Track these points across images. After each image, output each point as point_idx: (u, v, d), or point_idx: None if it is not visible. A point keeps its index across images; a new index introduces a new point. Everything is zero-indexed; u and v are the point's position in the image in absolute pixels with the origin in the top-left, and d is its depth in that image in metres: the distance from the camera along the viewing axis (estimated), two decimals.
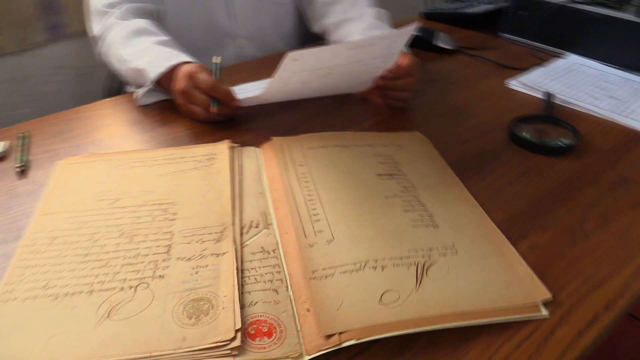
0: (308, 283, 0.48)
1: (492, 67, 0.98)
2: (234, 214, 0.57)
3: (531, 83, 0.88)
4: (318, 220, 0.56)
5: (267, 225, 0.57)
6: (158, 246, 0.53)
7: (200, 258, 0.52)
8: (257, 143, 0.70)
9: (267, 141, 0.70)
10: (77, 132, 0.73)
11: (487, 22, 1.15)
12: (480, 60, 1.01)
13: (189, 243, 0.54)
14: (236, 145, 0.70)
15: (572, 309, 0.48)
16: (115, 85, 1.08)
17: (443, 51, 1.02)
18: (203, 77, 0.72)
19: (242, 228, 0.56)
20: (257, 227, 0.56)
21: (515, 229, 0.57)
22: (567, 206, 0.61)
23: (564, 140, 0.72)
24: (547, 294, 0.48)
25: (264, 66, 0.83)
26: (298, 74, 0.68)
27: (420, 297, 0.47)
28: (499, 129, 0.76)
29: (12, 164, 0.65)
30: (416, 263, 0.50)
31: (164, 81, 0.78)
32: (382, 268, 0.50)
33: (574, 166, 0.68)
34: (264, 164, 0.66)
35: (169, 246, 0.53)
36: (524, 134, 0.73)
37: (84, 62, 1.29)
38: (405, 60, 0.78)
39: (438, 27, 1.10)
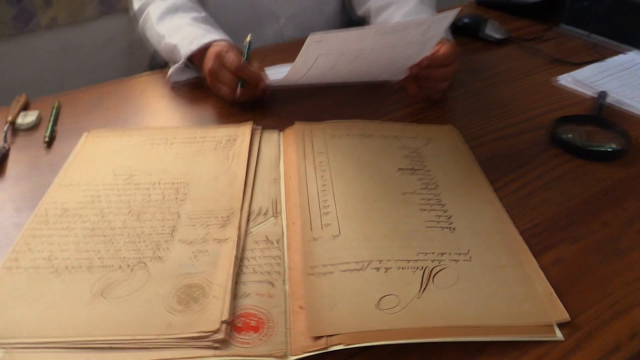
0: (305, 279, 0.45)
1: (544, 60, 0.90)
2: (243, 200, 0.55)
3: (583, 80, 0.80)
4: (327, 212, 0.53)
5: (276, 213, 0.54)
6: (163, 226, 0.52)
7: (202, 242, 0.50)
8: (282, 127, 0.68)
9: (290, 126, 0.67)
10: (107, 106, 0.73)
11: (547, 12, 1.06)
12: (532, 52, 0.92)
13: (193, 226, 0.52)
14: (259, 128, 0.67)
15: (591, 334, 0.42)
16: (158, 61, 1.09)
17: (492, 41, 0.95)
18: (231, 57, 0.70)
19: (249, 215, 0.54)
20: (265, 214, 0.54)
21: (540, 239, 0.51)
22: (603, 218, 0.54)
23: (611, 145, 0.65)
24: (564, 315, 0.43)
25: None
26: (324, 57, 0.64)
27: (421, 305, 0.43)
28: (540, 128, 0.69)
29: (42, 134, 0.66)
30: (423, 267, 0.46)
31: (196, 59, 0.76)
32: (386, 270, 0.46)
33: (619, 174, 0.61)
34: (283, 149, 0.64)
35: (174, 227, 0.52)
36: (565, 134, 0.66)
37: (134, 36, 1.31)
38: (444, 48, 0.73)
39: (491, 15, 1.03)
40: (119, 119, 0.71)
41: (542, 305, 0.44)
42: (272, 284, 0.46)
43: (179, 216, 0.53)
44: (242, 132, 0.66)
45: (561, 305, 0.44)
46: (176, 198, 0.56)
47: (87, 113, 0.72)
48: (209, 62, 0.72)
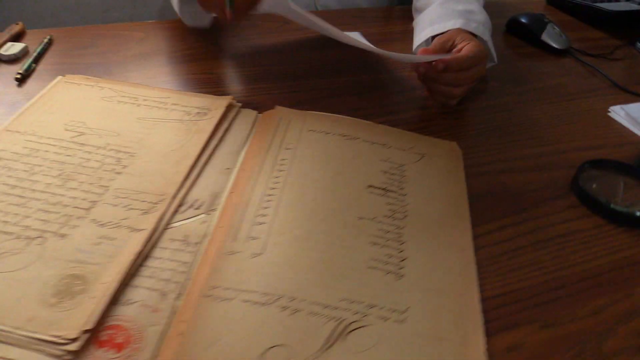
0: (199, 300, 0.38)
1: (602, 82, 0.74)
2: (182, 186, 0.48)
3: (638, 116, 0.64)
4: (261, 223, 0.44)
5: (210, 210, 0.46)
6: (84, 199, 0.46)
7: (114, 227, 0.43)
8: (267, 107, 0.59)
9: (269, 109, 0.58)
10: (96, 50, 0.67)
11: (628, 25, 0.88)
12: (591, 70, 0.77)
13: (115, 206, 0.45)
14: (239, 105, 0.59)
15: None
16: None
17: (550, 49, 0.80)
18: None
19: (181, 205, 0.46)
20: (198, 209, 0.46)
21: (506, 312, 0.41)
22: (597, 303, 0.42)
23: None
24: None
25: (334, 19, 0.69)
26: (300, 16, 0.55)
27: None
28: (567, 167, 0.56)
29: (18, 69, 0.62)
30: (340, 319, 0.37)
31: None
32: (294, 312, 0.37)
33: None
34: (253, 135, 0.55)
35: (94, 203, 0.45)
36: (589, 183, 0.53)
37: None
38: (467, 49, 0.60)
39: (559, 19, 0.86)
40: (102, 66, 0.64)
41: None
42: (164, 295, 0.39)
43: (106, 190, 0.47)
44: (217, 106, 0.58)
45: None
46: (113, 169, 0.49)
47: (75, 54, 0.66)
48: None
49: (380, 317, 0.38)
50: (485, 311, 0.40)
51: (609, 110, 0.67)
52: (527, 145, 0.60)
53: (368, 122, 0.58)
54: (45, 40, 0.66)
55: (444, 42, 0.63)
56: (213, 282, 0.39)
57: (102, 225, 0.43)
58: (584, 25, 0.90)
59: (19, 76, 0.60)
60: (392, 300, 0.39)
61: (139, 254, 0.41)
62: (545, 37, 0.79)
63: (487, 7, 0.73)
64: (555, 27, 0.80)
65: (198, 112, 0.57)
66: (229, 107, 0.58)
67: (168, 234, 0.44)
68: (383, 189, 0.49)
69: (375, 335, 0.37)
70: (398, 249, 0.44)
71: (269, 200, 0.46)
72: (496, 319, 0.40)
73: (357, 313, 0.38)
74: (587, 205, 0.51)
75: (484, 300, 0.41)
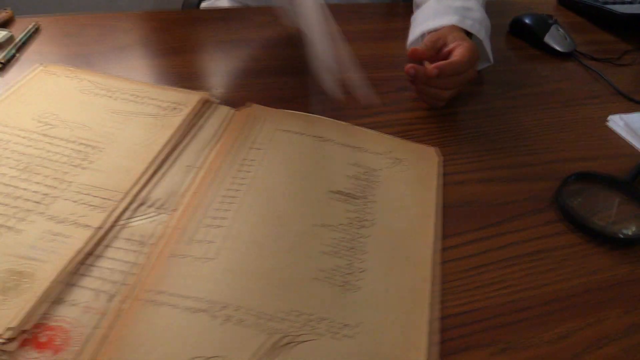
0: (143, 304, 0.37)
1: (605, 89, 0.71)
2: (144, 184, 0.47)
3: (637, 127, 0.61)
4: (218, 226, 0.43)
5: (169, 210, 0.45)
6: (45, 194, 0.45)
7: (70, 224, 0.42)
8: (244, 104, 0.58)
9: (245, 106, 0.57)
10: (82, 40, 0.67)
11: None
12: (595, 75, 0.73)
13: (75, 202, 0.45)
14: (216, 101, 0.58)
15: None
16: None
17: (553, 52, 0.76)
18: None
19: (140, 204, 0.46)
20: (157, 207, 0.45)
21: (464, 332, 0.39)
22: (567, 326, 0.40)
23: (630, 228, 0.48)
24: None
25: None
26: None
27: None
28: (554, 179, 0.54)
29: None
30: (285, 332, 0.36)
31: None
32: (239, 322, 0.36)
33: (621, 270, 0.45)
34: (225, 133, 0.54)
35: (55, 198, 0.45)
36: (572, 197, 0.50)
37: None
38: (460, 53, 0.57)
39: (571, 20, 0.83)
40: (85, 57, 0.64)
41: None
42: (111, 297, 0.38)
43: (69, 185, 0.46)
44: (191, 101, 0.57)
45: None
46: (79, 164, 0.48)
47: (60, 43, 0.66)
48: None
49: (331, 332, 0.36)
50: (443, 330, 0.38)
51: (608, 119, 0.64)
52: (512, 154, 0.57)
53: (346, 123, 0.57)
54: (31, 28, 0.66)
55: (435, 41, 0.61)
56: (160, 286, 0.38)
57: (60, 221, 0.43)
58: (594, 27, 0.85)
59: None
60: (343, 315, 0.38)
61: (85, 252, 0.40)
62: (548, 39, 0.75)
63: (493, 5, 0.70)
64: (560, 29, 0.76)
65: (171, 108, 0.56)
66: (205, 103, 0.57)
67: (123, 233, 0.43)
68: (347, 194, 0.48)
69: (315, 353, 0.35)
70: (360, 259, 0.42)
71: (230, 203, 0.45)
72: (452, 339, 0.38)
73: (304, 326, 0.36)
74: (568, 221, 0.49)
75: (443, 318, 0.39)
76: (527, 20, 0.77)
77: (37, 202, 0.44)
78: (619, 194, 0.52)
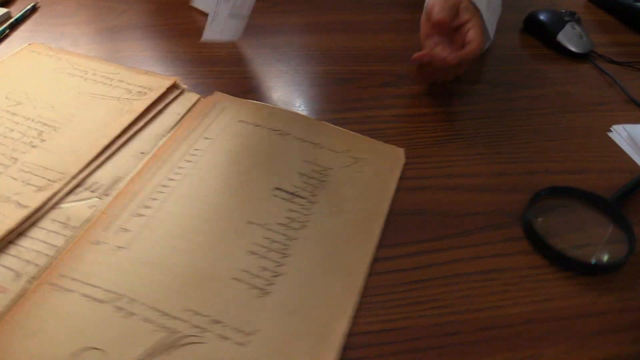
0: (44, 288, 0.36)
1: (617, 95, 0.63)
2: (86, 167, 0.47)
3: (638, 138, 0.53)
4: (142, 215, 0.42)
5: (104, 194, 0.45)
6: None
7: (4, 202, 0.43)
8: (211, 92, 0.56)
9: (210, 94, 0.55)
10: (75, 20, 0.67)
11: None
12: (609, 80, 0.65)
13: (16, 179, 0.45)
14: (184, 87, 0.57)
15: None
16: None
17: (567, 52, 0.69)
18: None
19: (78, 186, 0.45)
20: (93, 191, 0.45)
21: (369, 353, 0.35)
22: (494, 358, 0.36)
23: (599, 255, 0.42)
24: None
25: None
26: None
27: None
28: (529, 191, 0.48)
29: None
30: (173, 331, 0.34)
31: None
32: (129, 315, 0.35)
33: (579, 301, 0.40)
34: (184, 120, 0.53)
35: None
36: (537, 214, 0.45)
37: None
38: (476, 42, 0.52)
39: (599, 19, 0.74)
40: (73, 36, 0.64)
41: None
42: (18, 277, 0.38)
43: (14, 163, 0.46)
44: (158, 86, 0.56)
45: None
46: (31, 142, 0.49)
47: (53, 23, 0.67)
48: None
49: (222, 337, 0.34)
50: (348, 348, 0.35)
51: (611, 129, 0.57)
52: (488, 161, 0.52)
53: (310, 118, 0.54)
54: (29, 7, 0.68)
55: (452, 7, 0.55)
56: (65, 270, 0.37)
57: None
58: (622, 27, 0.76)
59: None
60: (242, 319, 0.36)
61: (17, 232, 0.40)
62: (561, 37, 0.68)
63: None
64: (577, 27, 0.68)
65: (139, 91, 0.55)
66: (172, 89, 0.56)
67: (52, 214, 0.43)
68: (291, 193, 0.45)
69: (207, 354, 0.33)
70: (278, 262, 0.40)
71: (160, 192, 0.44)
72: (364, 357, 0.35)
73: (197, 328, 0.35)
74: (530, 240, 0.44)
75: (352, 335, 0.36)
76: (541, 17, 0.70)
77: None
78: (597, 215, 0.46)
